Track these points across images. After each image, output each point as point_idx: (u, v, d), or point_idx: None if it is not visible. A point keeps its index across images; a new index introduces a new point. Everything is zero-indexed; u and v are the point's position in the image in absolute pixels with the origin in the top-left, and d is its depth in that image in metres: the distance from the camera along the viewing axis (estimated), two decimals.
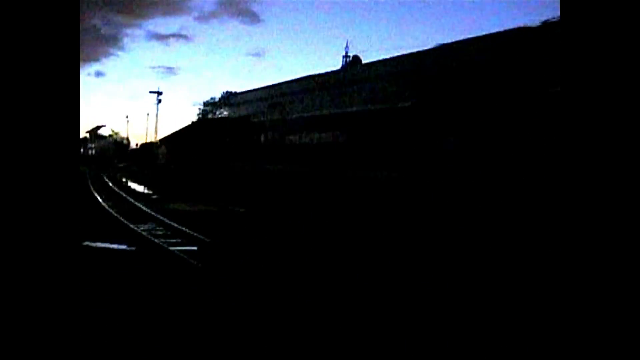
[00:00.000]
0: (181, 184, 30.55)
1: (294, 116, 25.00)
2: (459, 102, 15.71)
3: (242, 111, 54.31)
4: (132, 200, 24.37)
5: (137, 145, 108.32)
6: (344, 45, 30.82)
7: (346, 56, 30.86)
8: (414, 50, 20.37)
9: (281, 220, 17.65)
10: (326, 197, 15.56)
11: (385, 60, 22.55)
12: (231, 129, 23.49)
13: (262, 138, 21.57)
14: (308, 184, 17.97)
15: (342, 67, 30.87)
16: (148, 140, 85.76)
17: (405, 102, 14.54)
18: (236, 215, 19.77)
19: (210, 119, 48.71)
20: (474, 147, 14.50)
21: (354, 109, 21.53)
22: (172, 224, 16.57)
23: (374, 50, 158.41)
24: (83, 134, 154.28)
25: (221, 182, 24.26)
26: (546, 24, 16.28)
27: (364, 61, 29.96)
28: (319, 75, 26.45)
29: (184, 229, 15.44)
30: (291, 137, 26.11)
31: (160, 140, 49.64)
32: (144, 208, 21.20)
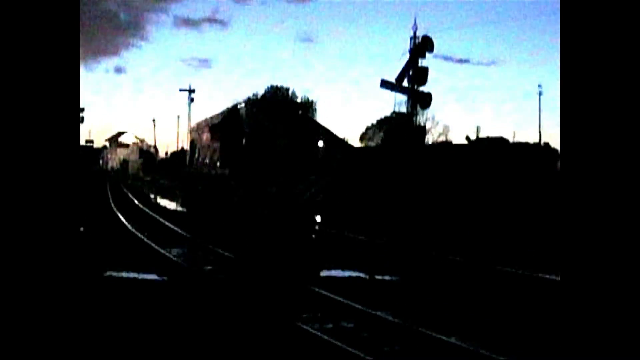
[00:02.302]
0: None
1: None
2: None
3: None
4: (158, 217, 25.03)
5: (166, 154, 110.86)
6: (412, 23, 30.53)
7: (414, 37, 30.78)
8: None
9: None
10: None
11: None
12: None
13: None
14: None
15: (410, 50, 30.79)
16: (180, 147, 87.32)
17: None
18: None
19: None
20: None
21: None
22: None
23: (445, 28, 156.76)
24: (102, 142, 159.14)
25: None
26: None
27: (435, 41, 29.90)
28: None
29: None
30: None
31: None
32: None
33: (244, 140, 20.03)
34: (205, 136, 25.90)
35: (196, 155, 30.15)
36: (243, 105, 20.54)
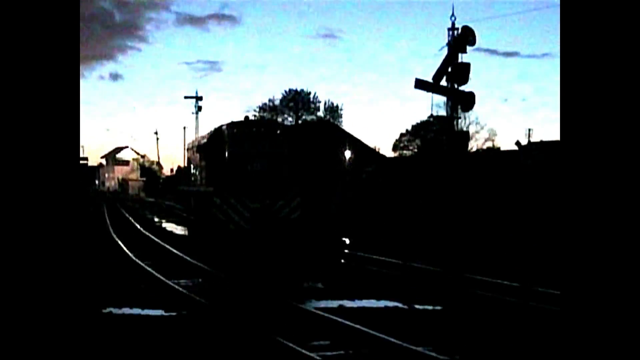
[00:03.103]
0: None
1: None
2: None
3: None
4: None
5: (172, 170, 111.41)
6: (449, 12, 30.43)
7: (452, 28, 30.67)
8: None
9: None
10: None
11: None
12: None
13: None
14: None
15: (448, 43, 30.72)
16: (185, 163, 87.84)
17: None
18: None
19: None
20: None
21: None
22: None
23: (489, 17, 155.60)
24: (97, 158, 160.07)
25: None
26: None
27: (478, 33, 29.75)
28: None
29: None
30: None
31: None
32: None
33: (226, 160, 25.56)
34: (197, 155, 31.35)
35: (191, 172, 34.78)
36: (225, 126, 26.58)
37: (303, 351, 10.13)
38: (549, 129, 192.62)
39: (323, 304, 14.46)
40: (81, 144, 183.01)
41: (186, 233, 33.77)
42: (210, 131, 30.16)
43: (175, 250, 24.03)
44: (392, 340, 10.58)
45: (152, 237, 30.30)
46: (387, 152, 79.60)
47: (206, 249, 24.35)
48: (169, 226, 38.70)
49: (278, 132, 27.40)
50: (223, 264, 20.59)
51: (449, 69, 32.40)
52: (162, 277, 17.69)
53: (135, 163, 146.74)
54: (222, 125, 27.41)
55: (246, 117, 27.35)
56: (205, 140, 29.74)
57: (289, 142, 27.18)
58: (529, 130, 76.74)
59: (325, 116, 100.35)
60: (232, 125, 26.56)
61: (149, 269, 19.37)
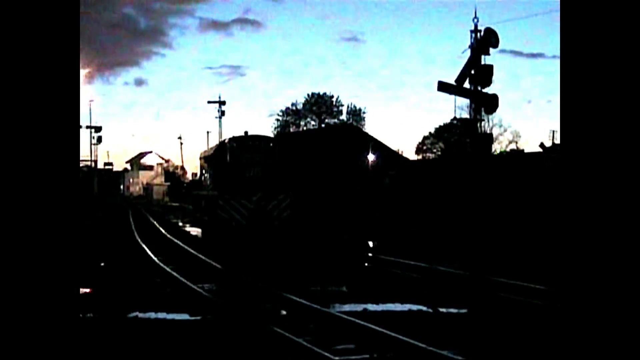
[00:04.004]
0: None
1: None
2: None
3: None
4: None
5: (194, 175, 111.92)
6: (472, 15, 30.25)
7: (475, 31, 30.51)
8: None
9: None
10: None
11: None
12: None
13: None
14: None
15: (471, 46, 30.60)
16: None
17: None
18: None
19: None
20: None
21: None
22: None
23: (512, 18, 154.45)
24: (122, 163, 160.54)
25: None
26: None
27: (502, 34, 29.60)
28: None
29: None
30: None
31: None
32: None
33: (227, 168, 30.26)
34: (205, 164, 37.07)
35: (202, 179, 40.50)
36: (227, 140, 31.95)
37: (327, 354, 10.14)
38: None
39: (347, 307, 14.45)
40: (106, 149, 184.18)
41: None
42: (216, 145, 35.97)
43: (197, 254, 24.14)
44: (417, 343, 10.54)
45: (176, 240, 30.63)
46: (411, 155, 79.49)
47: (218, 247, 26.95)
48: (193, 230, 38.82)
49: (271, 144, 32.17)
50: (233, 260, 22.60)
51: (472, 71, 32.24)
52: (186, 281, 17.72)
53: (160, 168, 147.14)
54: (224, 140, 32.98)
55: (245, 132, 31.95)
56: (212, 152, 35.06)
57: (281, 153, 31.85)
58: (553, 132, 75.63)
59: (348, 119, 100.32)
60: (232, 139, 31.54)
61: (174, 273, 19.41)
